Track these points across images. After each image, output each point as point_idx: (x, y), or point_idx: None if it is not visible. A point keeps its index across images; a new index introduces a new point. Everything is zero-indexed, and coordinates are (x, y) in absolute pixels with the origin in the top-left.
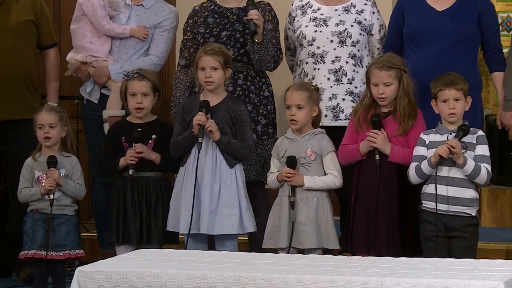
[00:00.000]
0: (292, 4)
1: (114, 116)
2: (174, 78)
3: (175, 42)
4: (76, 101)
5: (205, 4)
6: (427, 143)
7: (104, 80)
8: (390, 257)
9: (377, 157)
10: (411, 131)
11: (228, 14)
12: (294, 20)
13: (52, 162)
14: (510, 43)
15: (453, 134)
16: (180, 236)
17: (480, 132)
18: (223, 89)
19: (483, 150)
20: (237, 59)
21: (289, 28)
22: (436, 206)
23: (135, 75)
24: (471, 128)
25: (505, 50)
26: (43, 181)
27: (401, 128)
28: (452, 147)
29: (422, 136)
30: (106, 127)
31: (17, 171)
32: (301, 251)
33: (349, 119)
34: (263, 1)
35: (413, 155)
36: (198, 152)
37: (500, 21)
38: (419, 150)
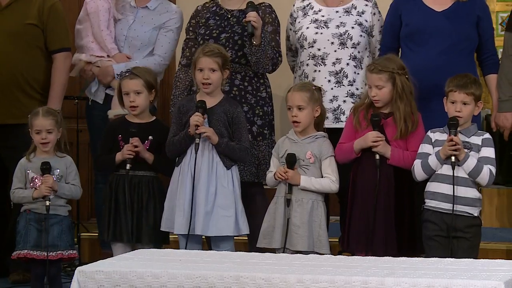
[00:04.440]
0: (294, 5)
1: (119, 115)
2: (175, 77)
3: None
4: (76, 101)
5: (207, 5)
6: (433, 141)
7: (109, 80)
8: (390, 257)
9: (377, 156)
10: (411, 136)
11: (229, 16)
12: (295, 21)
13: (46, 169)
14: (503, 44)
15: (459, 135)
16: (173, 236)
17: (487, 135)
18: (220, 91)
19: (488, 152)
20: (235, 61)
21: (290, 29)
22: (453, 207)
23: (127, 74)
24: (478, 131)
25: None
26: (37, 182)
27: (398, 132)
28: (454, 143)
29: (429, 133)
30: None
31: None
32: (295, 253)
33: None
34: (264, 3)
35: (418, 152)
36: (196, 153)
37: (500, 21)
38: (425, 148)
